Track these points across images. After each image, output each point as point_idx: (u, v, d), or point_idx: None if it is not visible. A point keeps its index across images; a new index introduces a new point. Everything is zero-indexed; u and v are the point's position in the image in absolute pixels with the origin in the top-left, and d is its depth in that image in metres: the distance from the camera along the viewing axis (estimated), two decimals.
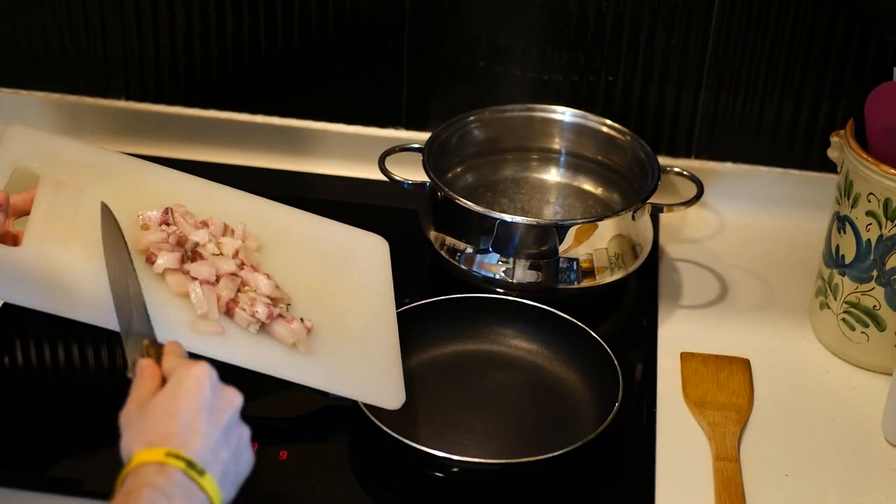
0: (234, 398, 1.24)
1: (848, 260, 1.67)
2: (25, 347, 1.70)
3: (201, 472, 1.16)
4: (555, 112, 1.94)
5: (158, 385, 1.24)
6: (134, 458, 1.17)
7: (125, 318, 1.36)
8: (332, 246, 1.66)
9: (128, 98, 2.09)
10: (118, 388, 1.64)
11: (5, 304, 1.65)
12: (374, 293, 1.63)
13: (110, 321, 1.38)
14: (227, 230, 1.56)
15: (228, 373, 1.64)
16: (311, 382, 1.49)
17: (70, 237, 1.45)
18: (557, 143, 1.95)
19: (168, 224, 1.52)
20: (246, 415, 1.58)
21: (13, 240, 1.45)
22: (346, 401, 1.52)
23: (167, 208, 1.53)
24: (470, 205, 1.72)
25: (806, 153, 1.98)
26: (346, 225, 1.70)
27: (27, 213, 1.48)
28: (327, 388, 1.50)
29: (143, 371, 1.25)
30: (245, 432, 1.25)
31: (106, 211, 1.46)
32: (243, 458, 1.24)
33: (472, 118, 1.92)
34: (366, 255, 1.68)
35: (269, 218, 1.64)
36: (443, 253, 1.77)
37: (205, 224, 1.55)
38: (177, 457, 1.16)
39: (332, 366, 1.51)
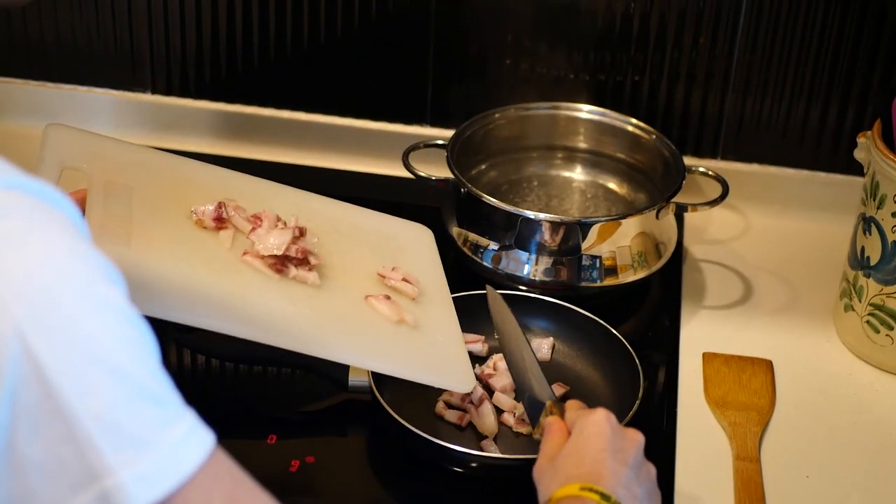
0: (636, 437, 1.30)
1: (873, 261, 1.65)
2: None
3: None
4: (580, 110, 1.93)
5: (565, 438, 1.30)
6: (552, 498, 1.21)
7: (524, 385, 1.43)
8: (382, 237, 1.68)
9: (154, 92, 2.09)
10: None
11: None
12: (428, 280, 1.64)
13: (176, 314, 1.40)
14: (279, 222, 1.57)
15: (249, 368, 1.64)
16: (383, 369, 1.48)
17: (129, 235, 1.45)
18: (582, 142, 1.95)
19: (222, 219, 1.52)
20: (264, 407, 1.59)
21: None
22: (364, 394, 1.52)
23: (220, 202, 1.54)
24: (494, 201, 1.72)
25: (833, 155, 1.97)
26: (391, 216, 1.72)
27: (81, 211, 1.48)
28: (399, 374, 1.48)
29: (551, 428, 1.32)
30: (652, 470, 1.30)
31: (492, 292, 1.54)
32: (655, 496, 1.29)
33: (496, 115, 1.92)
34: (415, 245, 1.69)
35: (317, 210, 1.65)
36: (465, 249, 1.77)
37: (257, 218, 1.56)
38: (591, 490, 1.20)
39: (401, 352, 1.50)
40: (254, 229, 1.54)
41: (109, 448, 0.92)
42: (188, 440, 0.95)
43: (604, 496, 1.20)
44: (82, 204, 1.48)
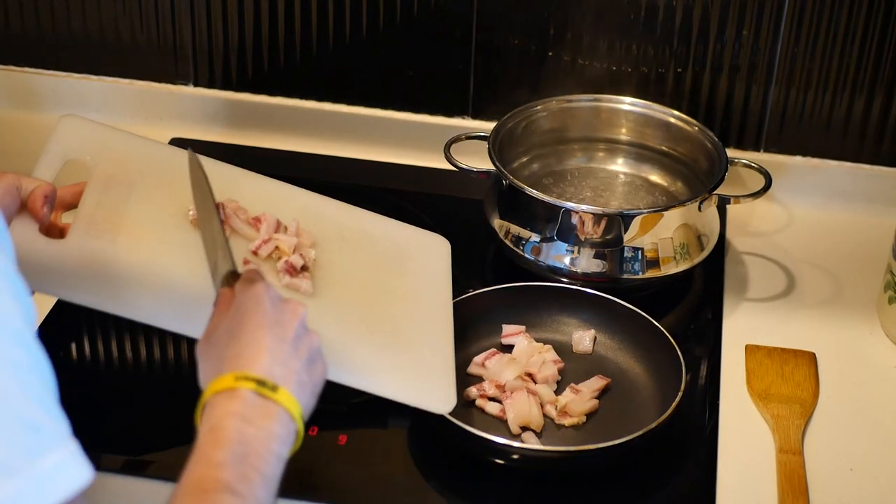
0: (297, 308, 1.25)
1: None
2: (83, 338, 1.71)
3: (274, 388, 1.17)
4: (622, 102, 1.93)
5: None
6: (207, 389, 1.18)
7: (212, 258, 1.37)
8: (390, 245, 1.64)
9: (196, 84, 2.10)
10: (178, 375, 1.67)
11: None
12: (431, 294, 1.60)
13: (155, 318, 1.39)
14: (279, 227, 1.54)
15: None
16: (360, 385, 1.44)
17: (117, 232, 1.43)
18: (624, 134, 1.94)
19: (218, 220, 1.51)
20: None
21: (60, 233, 1.43)
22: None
23: (217, 203, 1.51)
24: (536, 193, 1.72)
25: (877, 148, 1.96)
26: (406, 224, 1.69)
27: (76, 206, 1.46)
28: (375, 390, 1.45)
29: (219, 300, 1.28)
30: (314, 340, 1.25)
31: (193, 159, 1.45)
32: (316, 366, 1.25)
33: (538, 108, 1.91)
34: (425, 256, 1.66)
35: (325, 215, 1.62)
36: (507, 242, 1.76)
37: (257, 220, 1.53)
38: (246, 378, 1.17)
39: (380, 368, 1.47)
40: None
41: None
42: (57, 474, 0.93)
43: (260, 382, 1.16)
44: (79, 197, 1.46)
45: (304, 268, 1.50)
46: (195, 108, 2.10)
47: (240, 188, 1.58)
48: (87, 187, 1.47)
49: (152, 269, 1.42)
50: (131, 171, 1.52)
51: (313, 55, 2.04)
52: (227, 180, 1.58)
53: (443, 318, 1.58)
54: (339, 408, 1.57)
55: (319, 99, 2.08)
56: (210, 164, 1.60)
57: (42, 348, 0.97)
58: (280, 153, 2.06)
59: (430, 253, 1.67)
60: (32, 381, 0.94)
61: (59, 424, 0.95)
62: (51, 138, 1.51)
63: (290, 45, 2.03)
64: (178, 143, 2.06)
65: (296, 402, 1.18)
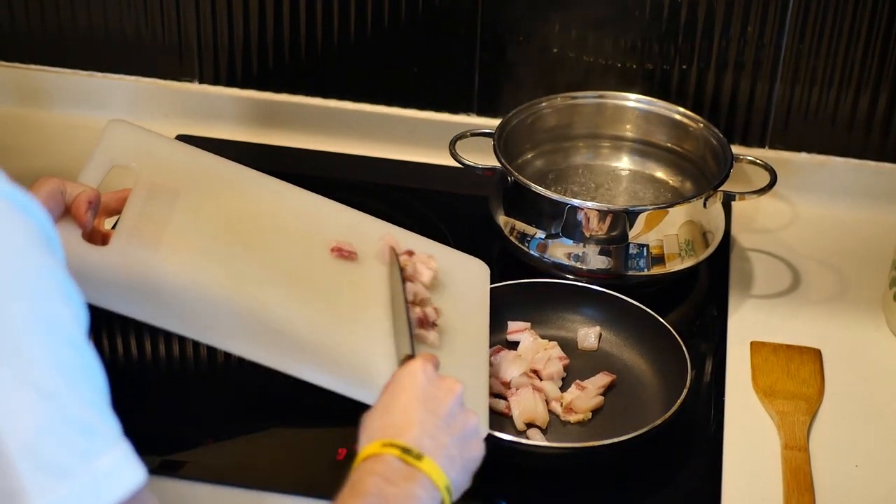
0: (453, 386, 1.27)
1: None
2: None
3: (419, 456, 1.19)
4: (627, 99, 1.93)
5: None
6: (359, 456, 1.20)
7: (397, 342, 1.42)
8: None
9: (201, 81, 2.10)
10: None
11: None
12: (469, 319, 1.58)
13: (192, 330, 1.38)
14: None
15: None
16: None
17: (159, 240, 1.43)
18: (629, 131, 1.94)
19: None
20: (310, 396, 1.58)
21: (103, 239, 1.43)
22: None
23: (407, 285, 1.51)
24: (541, 190, 1.72)
25: (882, 144, 1.96)
26: (448, 247, 1.67)
27: (120, 212, 1.45)
28: None
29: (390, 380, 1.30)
30: (471, 419, 1.27)
31: (393, 254, 1.53)
32: (471, 444, 1.26)
33: (543, 104, 1.91)
34: (465, 280, 1.64)
35: (369, 234, 1.60)
36: (512, 238, 1.76)
37: (339, 250, 1.54)
38: (392, 445, 1.19)
39: None
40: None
41: (28, 472, 0.90)
42: (112, 474, 0.93)
43: (405, 450, 1.18)
44: (123, 203, 1.46)
45: None
46: (200, 105, 2.10)
47: (284, 203, 1.58)
48: (132, 194, 1.47)
49: (192, 281, 1.41)
50: (177, 180, 1.52)
51: (318, 52, 2.04)
52: (273, 193, 1.58)
53: (480, 345, 1.56)
54: (345, 404, 1.57)
55: (324, 96, 2.08)
56: (257, 178, 1.60)
57: (94, 350, 0.97)
58: (284, 150, 2.06)
59: (470, 277, 1.65)
60: (85, 383, 0.94)
61: (111, 426, 0.95)
62: (98, 143, 1.51)
63: (295, 41, 2.03)
64: (183, 140, 2.05)
65: (442, 473, 1.20)
